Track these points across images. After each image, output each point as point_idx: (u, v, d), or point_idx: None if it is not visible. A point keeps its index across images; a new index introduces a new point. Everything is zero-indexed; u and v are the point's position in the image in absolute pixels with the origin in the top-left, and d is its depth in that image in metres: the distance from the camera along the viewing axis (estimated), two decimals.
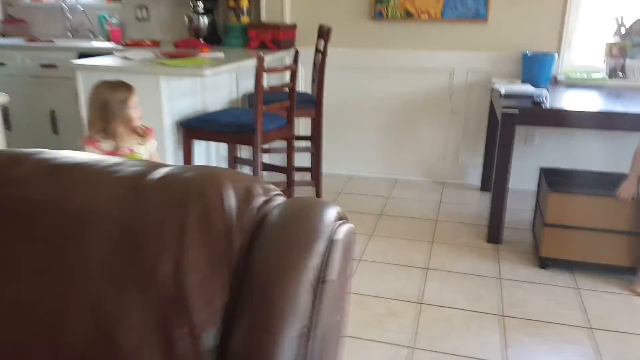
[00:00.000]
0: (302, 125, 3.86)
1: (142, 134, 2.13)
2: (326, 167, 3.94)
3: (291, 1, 3.80)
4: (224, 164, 3.15)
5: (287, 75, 3.22)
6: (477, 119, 3.70)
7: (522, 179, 3.40)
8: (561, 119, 2.74)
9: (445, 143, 3.86)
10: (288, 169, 2.99)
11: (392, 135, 3.94)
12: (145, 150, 2.14)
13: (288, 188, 3.01)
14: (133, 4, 4.11)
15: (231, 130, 2.62)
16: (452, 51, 3.64)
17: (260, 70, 2.46)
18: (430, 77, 3.73)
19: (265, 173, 3.45)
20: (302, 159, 3.62)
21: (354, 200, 3.58)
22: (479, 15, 3.50)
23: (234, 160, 3.00)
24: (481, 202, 3.55)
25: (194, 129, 2.68)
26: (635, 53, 3.35)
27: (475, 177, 3.80)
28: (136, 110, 2.10)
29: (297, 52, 2.77)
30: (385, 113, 3.90)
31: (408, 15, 3.61)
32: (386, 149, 3.98)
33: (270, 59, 3.33)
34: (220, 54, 3.13)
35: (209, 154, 3.14)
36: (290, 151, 2.95)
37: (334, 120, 3.96)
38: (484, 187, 3.68)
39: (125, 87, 2.08)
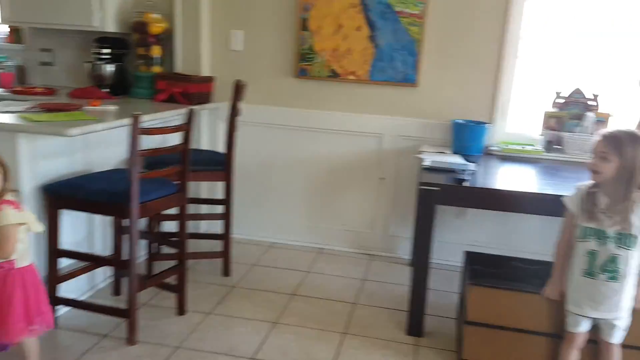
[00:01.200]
0: (220, 188, 3.49)
1: None
2: (246, 233, 3.59)
3: (211, 53, 3.49)
4: (108, 235, 2.72)
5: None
6: (408, 187, 3.39)
7: (455, 254, 3.07)
8: (483, 201, 2.44)
9: (374, 211, 3.54)
10: (180, 241, 2.58)
11: (318, 200, 3.60)
12: None
13: (180, 262, 2.59)
14: (37, 46, 3.72)
15: (102, 199, 2.21)
16: (380, 115, 3.37)
17: (135, 131, 2.09)
18: (358, 141, 3.44)
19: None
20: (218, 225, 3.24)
21: (266, 275, 3.18)
22: (408, 79, 3.26)
23: (119, 229, 2.58)
24: (408, 281, 3.18)
25: (59, 196, 2.26)
26: (573, 126, 3.14)
27: (405, 249, 3.47)
28: None
29: (192, 110, 2.42)
30: (311, 176, 3.57)
31: (334, 75, 3.34)
32: (311, 215, 3.63)
33: (170, 115, 2.97)
34: (112, 107, 2.76)
35: (92, 221, 2.71)
36: (182, 220, 2.56)
37: (255, 182, 3.62)
38: (414, 262, 3.34)
39: None
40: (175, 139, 2.48)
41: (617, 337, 2.02)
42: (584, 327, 2.03)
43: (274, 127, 3.53)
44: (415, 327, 2.58)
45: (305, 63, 3.35)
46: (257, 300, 2.86)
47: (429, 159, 2.72)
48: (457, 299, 2.81)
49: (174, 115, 2.99)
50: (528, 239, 3.22)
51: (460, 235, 3.36)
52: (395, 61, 3.25)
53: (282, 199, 3.63)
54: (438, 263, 3.34)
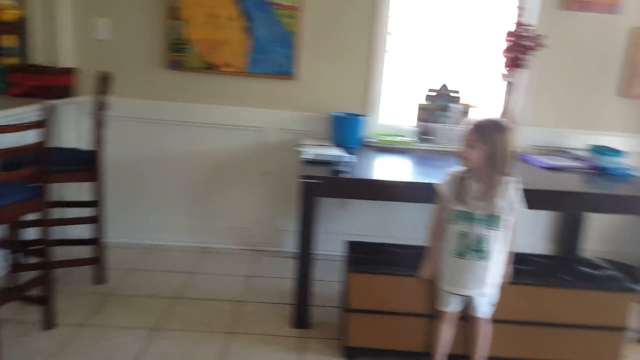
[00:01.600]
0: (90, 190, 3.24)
1: None
2: (121, 237, 3.37)
3: (74, 43, 3.21)
4: None
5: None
6: (291, 181, 3.36)
7: (339, 244, 3.10)
8: (362, 192, 2.50)
9: (258, 206, 3.49)
10: (44, 249, 2.35)
11: (199, 197, 3.48)
12: None
13: (45, 271, 2.36)
14: None
15: None
16: (260, 108, 3.32)
17: None
18: (238, 135, 3.37)
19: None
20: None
21: (146, 280, 3.01)
22: (287, 72, 3.24)
23: None
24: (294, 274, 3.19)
25: None
26: (441, 117, 3.32)
27: (291, 243, 3.46)
28: None
29: (50, 105, 2.20)
30: (190, 173, 3.43)
31: (210, 67, 3.23)
32: (193, 213, 3.50)
33: (26, 110, 2.68)
34: None
35: None
36: (44, 226, 2.33)
37: (129, 181, 3.41)
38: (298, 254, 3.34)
39: None
40: (34, 137, 2.24)
41: (486, 312, 2.17)
42: (455, 304, 2.16)
43: (147, 122, 3.34)
44: (301, 319, 2.58)
45: (177, 54, 3.20)
46: (136, 307, 2.69)
47: (309, 152, 2.73)
48: (341, 288, 2.86)
49: (31, 111, 2.70)
50: (405, 226, 3.37)
51: (343, 225, 3.43)
52: (273, 53, 3.22)
53: (160, 198, 3.46)
54: (323, 254, 3.36)
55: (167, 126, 3.35)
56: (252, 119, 3.34)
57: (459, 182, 2.07)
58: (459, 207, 2.06)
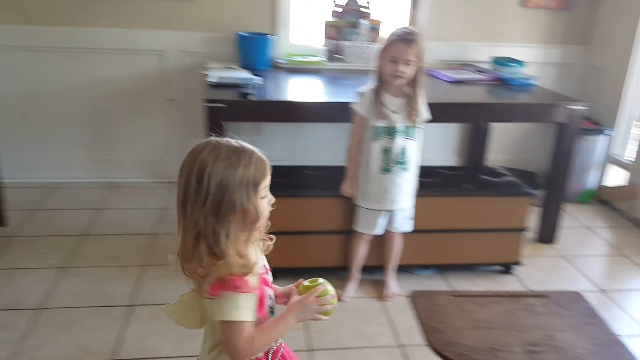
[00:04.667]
0: None
1: None
2: (19, 177, 3.15)
3: None
4: None
5: None
6: (199, 107, 3.23)
7: None
8: (272, 114, 2.44)
9: (166, 136, 3.34)
10: None
11: (101, 130, 3.28)
12: None
13: None
14: None
15: None
16: (158, 30, 3.10)
17: None
18: (136, 60, 3.15)
19: None
20: None
21: (50, 219, 2.85)
22: None
23: None
24: None
25: None
26: (350, 34, 3.26)
27: None
28: None
29: None
30: (89, 104, 3.21)
31: None
32: (96, 147, 3.30)
33: None
34: None
35: None
36: None
37: (20, 118, 3.15)
38: None
39: None
40: None
41: (408, 225, 2.24)
42: (380, 226, 2.21)
43: (33, 51, 3.04)
44: None
45: None
46: (41, 248, 2.56)
47: (214, 75, 2.60)
48: None
49: None
50: (323, 148, 3.37)
51: None
52: None
53: (58, 134, 3.22)
54: None
55: (56, 54, 3.06)
56: (151, 41, 3.11)
57: (375, 98, 2.05)
58: (379, 124, 2.05)
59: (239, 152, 1.07)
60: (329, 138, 3.35)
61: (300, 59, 3.17)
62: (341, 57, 3.25)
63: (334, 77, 3.06)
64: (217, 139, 1.09)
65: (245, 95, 2.35)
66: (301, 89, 2.90)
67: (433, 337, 1.39)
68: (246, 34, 3.05)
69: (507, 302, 1.56)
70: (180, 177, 1.07)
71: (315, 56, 3.23)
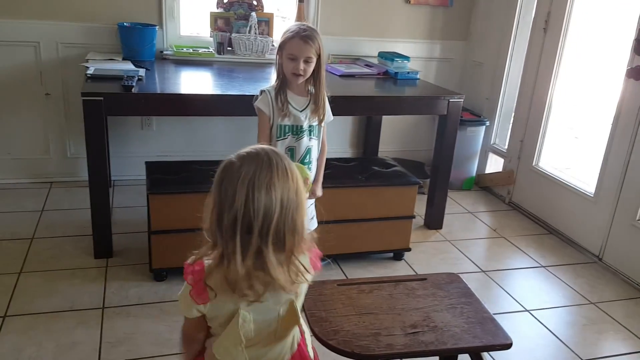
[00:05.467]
0: None
1: None
2: None
3: None
4: None
5: None
6: (80, 101, 3.05)
7: (144, 168, 2.95)
8: (155, 107, 2.34)
9: (45, 133, 3.12)
10: None
11: None
12: None
13: None
14: None
15: None
16: (33, 20, 2.88)
17: None
18: (8, 53, 2.90)
19: None
20: None
21: None
22: None
23: None
24: None
25: None
26: (240, 26, 3.21)
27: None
28: None
29: None
30: None
31: None
32: None
33: None
34: None
35: None
36: None
37: None
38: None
39: None
40: None
41: (313, 223, 2.14)
42: None
43: None
44: (102, 248, 2.43)
45: None
46: None
47: (93, 67, 2.46)
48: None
49: None
50: (214, 142, 3.31)
51: (148, 147, 3.23)
52: None
53: None
54: (127, 179, 3.19)
55: None
56: (24, 33, 2.88)
57: (278, 96, 1.97)
58: (285, 122, 1.98)
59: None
60: (226, 132, 3.30)
61: (188, 50, 3.07)
62: (231, 49, 3.20)
63: (224, 70, 3.00)
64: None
65: (127, 88, 2.23)
66: (189, 82, 2.82)
67: (318, 327, 1.40)
68: (127, 24, 2.91)
69: (390, 287, 1.61)
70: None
71: (205, 48, 3.15)
